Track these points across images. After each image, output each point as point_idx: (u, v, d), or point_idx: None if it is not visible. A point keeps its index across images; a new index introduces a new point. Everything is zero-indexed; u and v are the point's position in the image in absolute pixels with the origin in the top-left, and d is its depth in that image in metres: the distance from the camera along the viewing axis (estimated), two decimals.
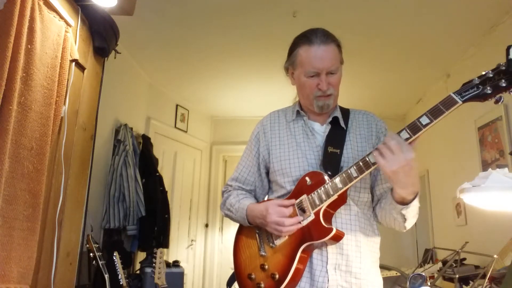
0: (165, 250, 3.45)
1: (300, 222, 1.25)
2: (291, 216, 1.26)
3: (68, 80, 1.70)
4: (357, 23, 2.84)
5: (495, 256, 1.86)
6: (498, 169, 1.19)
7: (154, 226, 3.35)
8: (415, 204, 1.21)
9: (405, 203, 1.20)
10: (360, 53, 3.24)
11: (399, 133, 1.15)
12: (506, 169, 1.19)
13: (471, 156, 3.06)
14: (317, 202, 1.24)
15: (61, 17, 1.64)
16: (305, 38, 1.35)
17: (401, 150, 1.09)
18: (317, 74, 1.32)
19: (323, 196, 1.24)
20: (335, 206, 1.26)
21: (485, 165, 2.84)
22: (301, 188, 1.30)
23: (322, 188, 1.24)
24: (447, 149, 3.61)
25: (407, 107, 4.55)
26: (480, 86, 1.08)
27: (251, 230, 1.40)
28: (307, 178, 1.30)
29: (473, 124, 3.03)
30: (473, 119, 3.01)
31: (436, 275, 2.46)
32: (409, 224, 1.27)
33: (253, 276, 1.32)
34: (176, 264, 3.21)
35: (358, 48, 3.14)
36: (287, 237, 1.29)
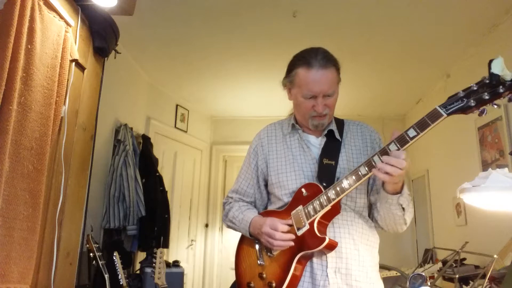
0: (165, 250, 3.45)
1: (293, 238, 1.29)
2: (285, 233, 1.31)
3: (68, 80, 1.70)
4: (357, 23, 2.84)
5: (495, 256, 1.86)
6: (498, 169, 1.19)
7: (154, 226, 3.35)
8: (406, 191, 1.27)
9: (397, 192, 1.25)
10: (360, 53, 3.24)
11: (388, 145, 1.19)
12: (506, 169, 1.19)
13: (471, 156, 3.06)
14: (312, 212, 1.28)
15: (61, 17, 1.64)
16: (305, 60, 1.35)
17: (403, 161, 1.14)
18: (313, 97, 1.35)
19: (317, 207, 1.28)
20: (329, 216, 1.30)
21: (485, 165, 2.84)
22: (297, 199, 1.35)
23: (316, 199, 1.28)
24: (447, 149, 3.61)
25: (407, 107, 4.55)
26: (464, 99, 1.11)
27: (251, 240, 1.45)
28: (303, 190, 1.34)
29: (473, 124, 3.03)
30: (473, 119, 3.01)
31: (436, 275, 2.46)
32: (408, 216, 1.31)
33: (252, 284, 1.38)
34: (176, 264, 3.21)
35: (358, 48, 3.14)
36: None
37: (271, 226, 1.31)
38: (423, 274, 1.39)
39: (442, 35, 2.96)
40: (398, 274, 2.80)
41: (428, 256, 3.27)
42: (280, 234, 1.29)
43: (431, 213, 4.01)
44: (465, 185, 1.21)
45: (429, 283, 1.92)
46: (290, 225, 1.32)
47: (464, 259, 2.59)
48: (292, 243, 1.29)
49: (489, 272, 1.84)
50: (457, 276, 2.24)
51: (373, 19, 2.80)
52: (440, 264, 2.82)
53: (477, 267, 2.52)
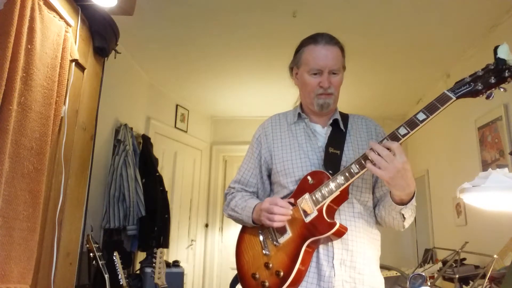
0: (165, 250, 3.45)
1: (291, 212, 1.29)
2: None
3: (68, 80, 1.70)
4: (357, 23, 2.84)
5: (495, 256, 1.86)
6: (498, 169, 1.19)
7: (154, 226, 3.35)
8: (413, 203, 1.26)
9: (403, 203, 1.25)
10: (361, 53, 3.24)
11: (397, 129, 1.19)
12: (506, 169, 1.19)
13: (471, 156, 3.06)
14: (320, 199, 1.27)
15: (61, 17, 1.64)
16: (312, 38, 1.43)
17: (395, 158, 1.14)
18: (320, 72, 1.38)
19: (326, 193, 1.27)
20: (338, 202, 1.29)
21: (485, 165, 2.84)
22: (303, 187, 1.33)
23: (324, 186, 1.27)
24: (447, 149, 3.61)
25: (407, 107, 4.55)
26: (472, 83, 1.15)
27: (254, 231, 1.42)
28: (309, 177, 1.33)
29: (473, 124, 3.03)
30: (473, 119, 3.01)
31: (436, 275, 2.46)
32: (408, 223, 1.32)
33: (257, 275, 1.34)
34: (176, 264, 3.21)
35: (358, 48, 3.14)
36: (290, 234, 1.31)
37: (271, 202, 1.30)
38: (423, 274, 1.39)
39: (442, 35, 2.96)
40: (398, 274, 2.80)
41: (428, 256, 3.27)
42: (278, 208, 1.27)
43: (431, 213, 4.01)
44: (465, 185, 1.21)
45: (429, 283, 1.92)
46: (292, 204, 1.30)
47: (464, 259, 2.59)
48: (290, 212, 1.28)
49: (489, 272, 1.84)
50: (457, 276, 2.24)
51: (373, 19, 2.80)
52: (440, 264, 2.82)
53: (477, 267, 2.52)
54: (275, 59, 3.33)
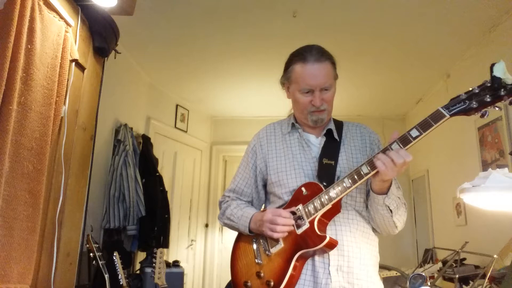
0: (165, 250, 3.44)
1: (293, 225, 1.30)
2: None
3: (68, 80, 1.70)
4: (357, 23, 2.84)
5: (495, 256, 1.86)
6: (498, 169, 1.19)
7: (154, 226, 3.35)
8: (394, 192, 1.27)
9: (383, 192, 1.26)
10: (361, 53, 3.24)
11: (390, 144, 1.20)
12: (506, 169, 1.19)
13: (471, 156, 3.06)
14: (312, 211, 1.28)
15: (61, 17, 1.64)
16: (300, 55, 1.39)
17: (403, 165, 1.16)
18: (311, 91, 1.37)
19: (318, 206, 1.27)
20: (329, 215, 1.30)
21: (485, 165, 2.84)
22: (297, 198, 1.34)
23: (317, 198, 1.28)
24: (447, 149, 3.61)
25: (407, 107, 4.55)
26: (466, 101, 1.13)
27: (248, 239, 1.44)
28: (303, 189, 1.34)
29: (473, 124, 3.03)
30: (473, 119, 3.01)
31: (436, 275, 2.46)
32: (398, 219, 1.32)
33: (249, 283, 1.36)
34: (176, 264, 3.22)
35: (359, 48, 3.14)
36: (282, 245, 1.32)
37: (274, 213, 1.31)
38: (423, 274, 1.39)
39: (442, 35, 2.96)
40: (398, 274, 2.80)
41: (428, 256, 3.27)
42: (282, 219, 1.28)
43: (431, 213, 4.01)
44: (465, 185, 1.21)
45: (429, 283, 1.92)
46: (293, 213, 1.31)
47: (464, 259, 2.60)
48: (292, 227, 1.29)
49: (489, 272, 1.84)
50: (457, 276, 2.24)
51: (373, 19, 2.80)
52: (440, 264, 2.82)
53: (477, 267, 2.52)
54: (275, 59, 3.32)
